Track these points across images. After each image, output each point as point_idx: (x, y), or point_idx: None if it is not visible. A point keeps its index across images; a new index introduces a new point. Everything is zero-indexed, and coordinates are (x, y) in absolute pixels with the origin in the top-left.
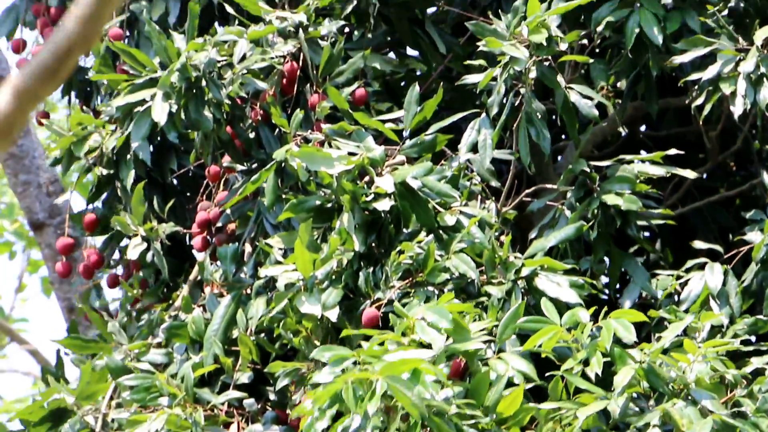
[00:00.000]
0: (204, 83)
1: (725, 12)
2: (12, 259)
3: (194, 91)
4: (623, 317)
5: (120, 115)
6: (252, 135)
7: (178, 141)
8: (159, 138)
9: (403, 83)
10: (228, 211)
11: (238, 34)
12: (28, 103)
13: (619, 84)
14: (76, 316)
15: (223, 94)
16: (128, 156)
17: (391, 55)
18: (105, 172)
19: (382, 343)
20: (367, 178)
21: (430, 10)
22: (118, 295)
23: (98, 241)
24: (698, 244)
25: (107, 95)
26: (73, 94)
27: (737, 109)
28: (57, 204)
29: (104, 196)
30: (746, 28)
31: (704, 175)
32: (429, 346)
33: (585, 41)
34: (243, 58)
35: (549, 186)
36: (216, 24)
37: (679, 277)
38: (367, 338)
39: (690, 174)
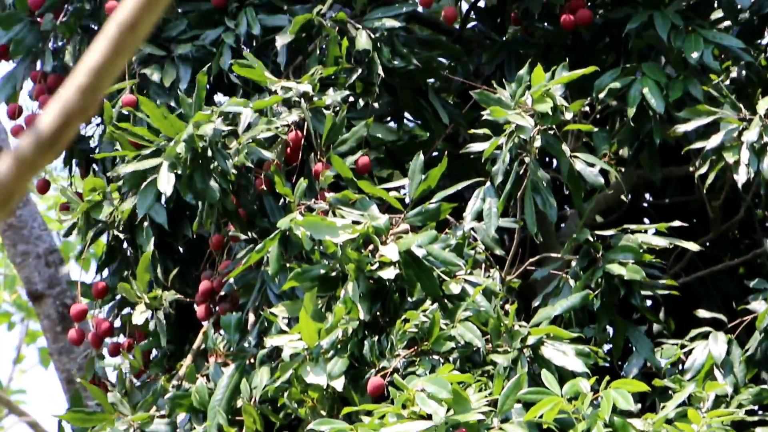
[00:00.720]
0: (210, 153)
1: (727, 81)
2: (10, 330)
3: (200, 161)
4: (624, 387)
5: (128, 181)
6: (256, 204)
7: (195, 202)
8: (173, 203)
9: (406, 151)
10: (231, 279)
11: (243, 104)
12: (27, 172)
13: (621, 152)
14: (76, 387)
15: (229, 164)
16: (145, 222)
17: (395, 123)
18: (121, 235)
19: (383, 416)
20: (371, 247)
21: (433, 79)
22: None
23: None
24: (702, 313)
25: (118, 162)
26: (74, 163)
27: (741, 178)
28: (56, 274)
29: (116, 263)
30: (749, 97)
31: (707, 244)
32: (430, 418)
33: (587, 109)
34: (248, 127)
35: (553, 255)
36: (221, 93)
37: (683, 346)
38: (370, 413)
39: (693, 246)
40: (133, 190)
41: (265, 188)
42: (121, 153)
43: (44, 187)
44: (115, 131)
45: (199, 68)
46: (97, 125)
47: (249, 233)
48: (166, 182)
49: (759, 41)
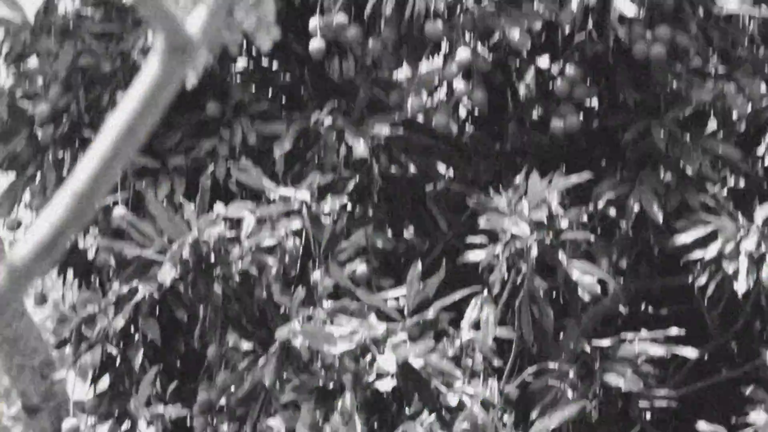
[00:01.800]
0: (213, 258)
1: (725, 190)
2: None
3: (203, 265)
4: None
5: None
6: (257, 312)
7: (186, 319)
8: (165, 317)
9: (404, 259)
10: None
11: (246, 210)
12: (22, 281)
13: (619, 261)
14: None
15: (234, 270)
16: (136, 336)
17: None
18: (114, 351)
19: None
20: (369, 356)
21: (431, 187)
22: None
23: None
24: (702, 426)
25: (114, 274)
26: (70, 272)
27: (741, 288)
28: (51, 387)
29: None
30: (746, 206)
31: (706, 355)
32: None
33: (585, 218)
34: (250, 234)
35: (551, 365)
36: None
37: None
38: None
39: (692, 353)
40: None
41: (265, 296)
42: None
43: (42, 302)
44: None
45: (193, 179)
46: (94, 237)
47: (248, 342)
48: (167, 273)
49: (755, 150)
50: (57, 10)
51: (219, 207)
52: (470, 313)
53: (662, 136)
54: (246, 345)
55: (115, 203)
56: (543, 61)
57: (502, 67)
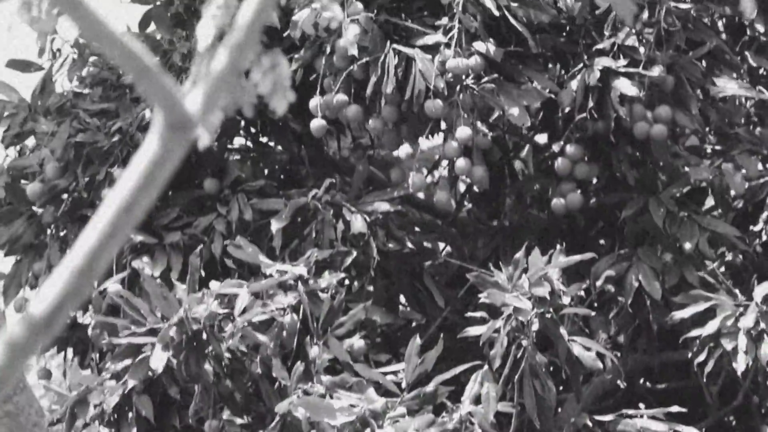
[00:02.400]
0: (204, 336)
1: (723, 267)
2: None
3: (194, 343)
4: None
5: (118, 360)
6: (252, 388)
7: (179, 396)
8: (160, 393)
9: (402, 334)
10: None
11: (239, 287)
12: (20, 356)
13: (618, 336)
14: None
15: (224, 348)
16: (130, 414)
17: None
18: (108, 430)
19: None
20: (368, 430)
21: (429, 262)
22: None
23: None
24: None
25: (107, 352)
26: (69, 350)
27: (740, 366)
28: None
29: None
30: (744, 282)
31: (705, 430)
32: None
33: (584, 293)
34: (243, 311)
35: None
36: (214, 281)
37: None
38: None
39: (692, 431)
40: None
41: (260, 372)
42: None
43: (47, 377)
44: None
45: (190, 256)
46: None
47: (245, 418)
48: (158, 360)
49: (753, 227)
50: (54, 90)
51: (213, 284)
52: (471, 388)
53: (660, 214)
54: (241, 420)
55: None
56: (541, 139)
57: (501, 144)
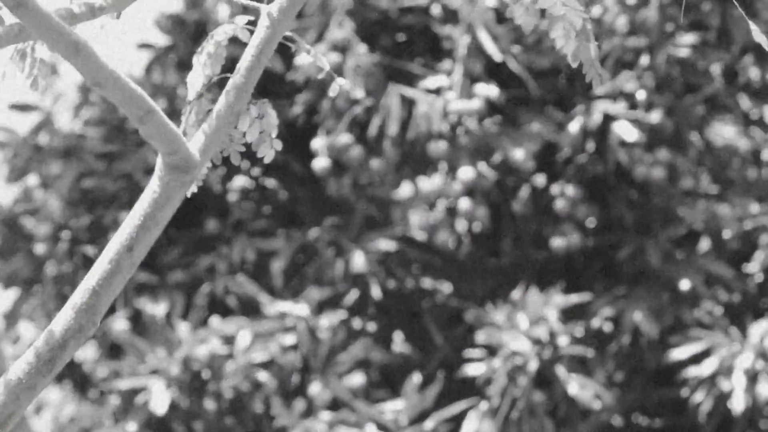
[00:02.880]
0: (205, 375)
1: (718, 307)
2: None
3: (196, 382)
4: None
5: (120, 402)
6: (253, 426)
7: None
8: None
9: (400, 372)
10: None
11: (240, 326)
12: (24, 394)
13: (615, 374)
14: None
15: (225, 386)
16: None
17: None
18: None
19: None
20: None
21: (428, 301)
22: None
23: None
24: None
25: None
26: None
27: (738, 406)
28: None
29: None
30: (740, 322)
31: None
32: None
33: (581, 332)
34: (245, 349)
35: None
36: (216, 320)
37: None
38: None
39: None
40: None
41: (262, 410)
42: (117, 366)
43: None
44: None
45: (192, 294)
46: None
47: None
48: (160, 401)
49: (746, 268)
50: (54, 128)
51: (215, 322)
52: (469, 425)
53: (657, 254)
54: None
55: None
56: (539, 180)
57: (500, 185)
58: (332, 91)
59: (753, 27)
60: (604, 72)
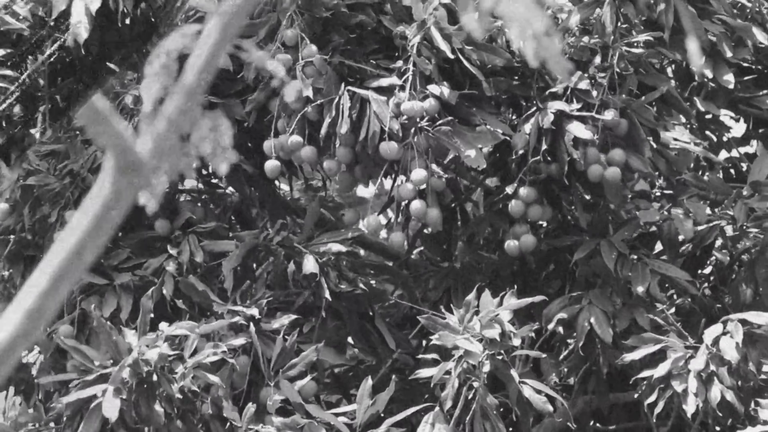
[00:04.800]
0: (155, 378)
1: (672, 310)
2: None
3: (145, 386)
4: None
5: (69, 413)
6: (203, 429)
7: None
8: None
9: (353, 375)
10: None
11: (190, 329)
12: None
13: (568, 378)
14: None
15: (175, 389)
16: None
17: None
18: None
19: None
20: None
21: (380, 304)
22: None
23: None
24: None
25: (54, 392)
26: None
27: (689, 408)
28: None
29: None
30: (694, 325)
31: None
32: None
33: (534, 334)
34: (194, 352)
35: None
36: (165, 322)
37: None
38: None
39: None
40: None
41: (212, 413)
42: (65, 377)
43: None
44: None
45: (140, 297)
46: (39, 352)
47: None
48: (111, 408)
49: (701, 271)
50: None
51: (164, 325)
52: (422, 429)
53: (612, 257)
54: None
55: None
56: (492, 181)
57: (453, 186)
58: (287, 96)
59: (692, 46)
60: (569, 65)
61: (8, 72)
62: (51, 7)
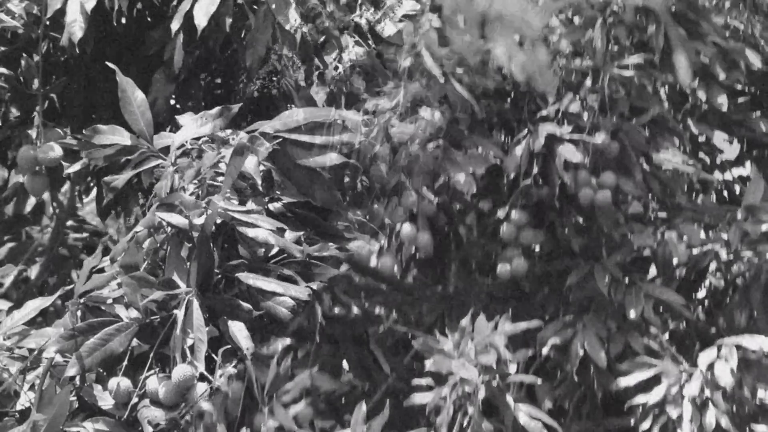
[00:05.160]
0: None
1: (667, 334)
2: None
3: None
4: None
5: None
6: None
7: None
8: None
9: (347, 400)
10: None
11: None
12: None
13: (563, 403)
14: None
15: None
16: None
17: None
18: None
19: None
20: None
21: (374, 328)
22: None
23: None
24: None
25: None
26: None
27: None
28: None
29: None
30: (688, 350)
31: None
32: None
33: (529, 359)
34: None
35: None
36: None
37: None
38: None
39: None
40: None
41: None
42: None
43: None
44: None
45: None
46: None
47: None
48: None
49: (695, 295)
50: None
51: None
52: None
53: (605, 281)
54: None
55: None
56: (485, 204)
57: (445, 210)
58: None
59: (681, 60)
60: (554, 77)
61: (3, 70)
62: (46, 5)
